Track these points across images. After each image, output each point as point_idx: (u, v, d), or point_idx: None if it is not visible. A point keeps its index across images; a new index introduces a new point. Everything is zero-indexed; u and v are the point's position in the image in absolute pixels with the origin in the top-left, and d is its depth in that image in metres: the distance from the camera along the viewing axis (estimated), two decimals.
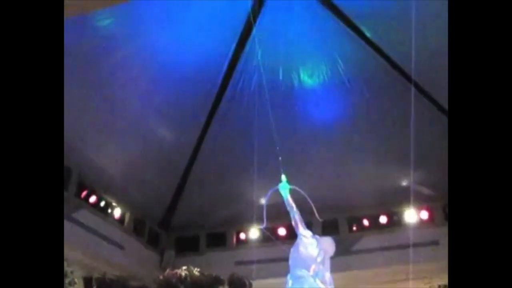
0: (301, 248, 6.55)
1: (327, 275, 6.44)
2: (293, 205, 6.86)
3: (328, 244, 6.64)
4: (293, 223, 6.79)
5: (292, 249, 6.65)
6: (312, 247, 6.53)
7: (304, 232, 6.71)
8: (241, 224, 15.06)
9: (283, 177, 6.95)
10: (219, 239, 15.67)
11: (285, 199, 6.90)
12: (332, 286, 6.41)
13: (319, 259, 6.41)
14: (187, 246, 15.60)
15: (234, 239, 15.62)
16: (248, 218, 13.17)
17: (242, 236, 15.47)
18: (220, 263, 14.18)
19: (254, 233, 15.11)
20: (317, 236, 6.72)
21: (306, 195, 6.98)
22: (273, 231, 14.06)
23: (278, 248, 8.90)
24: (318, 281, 6.28)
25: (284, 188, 6.93)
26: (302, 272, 6.31)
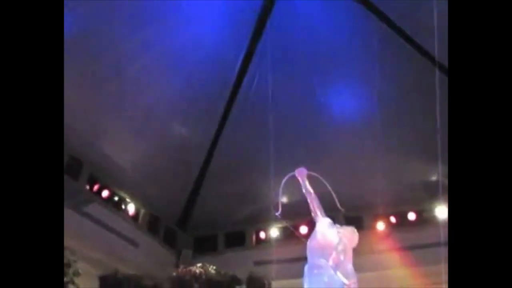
0: (320, 236, 5.98)
1: (349, 267, 5.86)
2: (311, 190, 6.35)
3: (350, 233, 6.10)
4: (311, 211, 6.28)
5: (310, 238, 6.13)
6: (331, 235, 5.96)
7: (323, 220, 6.16)
8: (261, 223, 14.47)
9: None
10: (238, 239, 15.10)
11: (302, 184, 6.42)
12: (355, 279, 5.81)
13: (339, 248, 5.82)
14: (205, 246, 15.10)
15: (254, 239, 15.02)
16: (268, 217, 12.70)
17: (262, 235, 14.86)
18: (239, 263, 13.72)
19: (274, 232, 14.51)
20: (338, 225, 6.17)
21: (325, 182, 6.51)
22: (294, 229, 13.56)
23: (299, 247, 8.38)
24: (339, 274, 5.69)
25: (302, 173, 6.47)
26: (320, 262, 5.73)
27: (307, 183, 6.36)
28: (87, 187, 11.75)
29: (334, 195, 6.46)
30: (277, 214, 6.42)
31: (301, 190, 6.37)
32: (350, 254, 5.91)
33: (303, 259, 6.03)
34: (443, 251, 10.09)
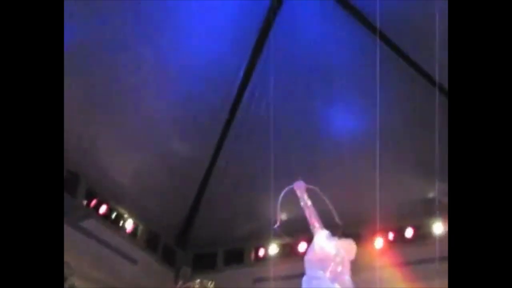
0: (317, 248, 6.01)
1: (347, 279, 5.88)
2: (309, 203, 6.39)
3: (348, 245, 6.13)
4: (309, 223, 6.32)
5: (308, 250, 6.16)
6: (329, 247, 5.99)
7: (321, 232, 6.19)
8: (260, 240, 14.42)
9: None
10: (237, 256, 15.05)
11: (300, 197, 6.47)
12: None
13: (337, 260, 5.85)
14: (204, 263, 15.00)
15: (253, 256, 14.96)
16: (267, 234, 12.65)
17: (261, 252, 14.79)
18: (238, 281, 13.70)
19: (273, 249, 14.47)
20: (336, 238, 6.20)
21: (323, 195, 6.55)
22: (293, 246, 13.50)
23: (298, 264, 8.40)
24: (336, 285, 5.72)
25: (300, 186, 6.52)
26: (318, 274, 5.76)
27: (305, 196, 6.40)
28: (85, 202, 11.70)
29: (332, 208, 6.49)
30: (275, 227, 6.46)
31: (299, 206, 6.39)
32: (347, 266, 5.94)
33: (302, 275, 6.04)
34: (437, 267, 10.13)
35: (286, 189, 6.59)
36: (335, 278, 5.81)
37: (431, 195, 12.71)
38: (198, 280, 11.24)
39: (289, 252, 14.07)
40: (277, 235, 11.39)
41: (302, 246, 13.33)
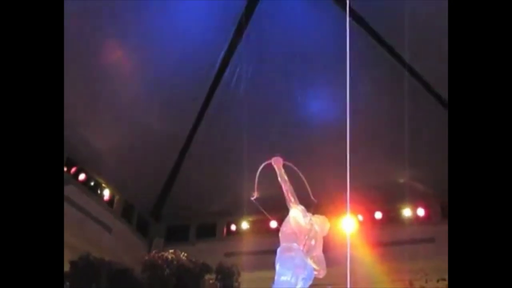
0: (292, 221, 6.23)
1: (320, 255, 6.11)
2: (286, 178, 6.58)
3: (322, 222, 6.34)
4: (286, 198, 6.51)
5: (283, 223, 6.37)
6: (304, 221, 6.22)
7: (296, 207, 6.40)
8: (232, 215, 14.82)
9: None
10: (210, 230, 15.40)
11: (278, 172, 6.63)
12: (324, 266, 6.08)
13: (311, 234, 6.09)
14: (177, 236, 15.31)
15: (225, 230, 15.31)
16: (239, 210, 12.90)
17: (233, 227, 15.20)
18: (209, 254, 13.92)
19: (244, 224, 14.88)
20: (310, 214, 6.43)
21: (299, 172, 6.74)
22: (264, 223, 13.77)
23: (268, 240, 8.63)
24: (310, 261, 5.96)
25: (278, 161, 6.66)
26: (293, 246, 5.99)
27: (282, 171, 6.55)
28: (65, 168, 11.76)
29: (307, 185, 6.68)
30: (253, 198, 6.59)
31: (273, 185, 6.58)
32: (320, 242, 6.15)
33: (272, 251, 6.25)
34: (407, 249, 10.48)
35: (265, 163, 6.73)
36: (308, 252, 6.00)
37: (401, 179, 13.09)
38: (172, 251, 11.51)
39: (260, 229, 14.36)
40: (252, 209, 11.63)
41: (273, 224, 13.61)
